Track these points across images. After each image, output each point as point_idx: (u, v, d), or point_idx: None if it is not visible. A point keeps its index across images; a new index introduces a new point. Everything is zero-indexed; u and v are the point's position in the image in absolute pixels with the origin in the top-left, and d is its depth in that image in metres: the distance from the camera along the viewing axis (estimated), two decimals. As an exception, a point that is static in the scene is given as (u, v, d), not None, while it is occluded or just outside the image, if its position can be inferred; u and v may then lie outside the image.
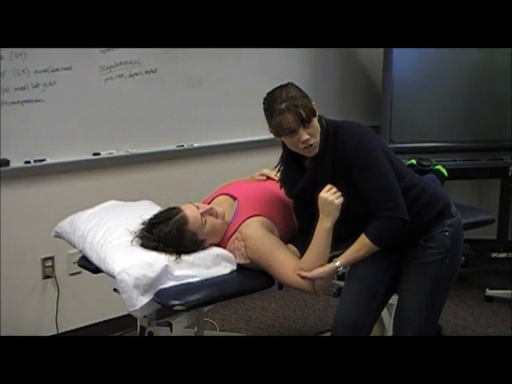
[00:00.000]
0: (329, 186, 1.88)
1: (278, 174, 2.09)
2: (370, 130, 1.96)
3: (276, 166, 2.07)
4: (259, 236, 1.99)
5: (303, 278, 1.88)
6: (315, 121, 1.86)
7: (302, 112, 1.81)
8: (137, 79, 2.96)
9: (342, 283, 2.50)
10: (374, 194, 1.86)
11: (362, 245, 1.87)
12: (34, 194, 2.77)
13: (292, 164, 1.99)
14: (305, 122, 1.82)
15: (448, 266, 2.02)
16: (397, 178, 1.90)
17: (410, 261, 2.02)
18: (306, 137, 1.84)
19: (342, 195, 1.87)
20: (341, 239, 1.92)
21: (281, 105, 1.82)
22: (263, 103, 1.90)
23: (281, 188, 2.09)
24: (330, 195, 1.86)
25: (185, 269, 1.92)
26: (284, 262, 1.95)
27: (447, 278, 2.04)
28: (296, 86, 1.88)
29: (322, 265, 1.88)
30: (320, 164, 1.91)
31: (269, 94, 1.88)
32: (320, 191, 1.88)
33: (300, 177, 1.97)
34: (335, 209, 1.86)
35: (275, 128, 1.86)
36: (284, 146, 1.98)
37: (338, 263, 1.87)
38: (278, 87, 1.88)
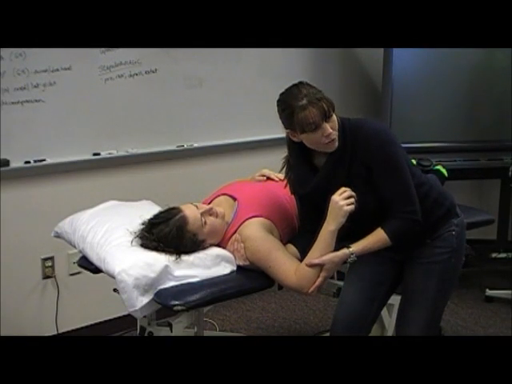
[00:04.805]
0: (343, 189, 1.88)
1: (286, 178, 2.05)
2: (389, 130, 1.97)
3: (282, 169, 2.05)
4: (258, 237, 1.99)
5: (313, 265, 1.89)
6: (334, 115, 1.85)
7: (324, 106, 1.80)
8: (137, 79, 2.96)
9: (342, 283, 2.50)
10: (395, 196, 1.87)
11: (378, 238, 1.88)
12: (34, 194, 2.77)
13: (304, 163, 1.97)
14: (327, 116, 1.81)
15: (453, 266, 2.02)
16: (410, 175, 1.92)
17: (415, 260, 2.02)
18: (330, 130, 1.82)
19: (355, 196, 1.87)
20: (343, 238, 1.93)
21: (302, 100, 1.79)
22: (278, 104, 1.86)
23: (292, 192, 2.07)
24: (341, 199, 1.86)
25: (185, 269, 1.92)
26: (283, 263, 1.95)
27: (452, 278, 2.04)
28: (309, 84, 1.86)
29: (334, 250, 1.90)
30: (337, 161, 1.89)
31: (284, 93, 1.86)
32: (333, 191, 1.88)
33: (313, 176, 1.95)
34: (343, 215, 1.86)
35: (300, 124, 1.81)
36: (292, 146, 1.96)
37: (351, 249, 1.87)
38: (292, 86, 1.85)
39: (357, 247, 1.88)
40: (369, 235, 1.89)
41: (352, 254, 1.87)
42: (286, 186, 2.08)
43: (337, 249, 1.91)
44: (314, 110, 1.79)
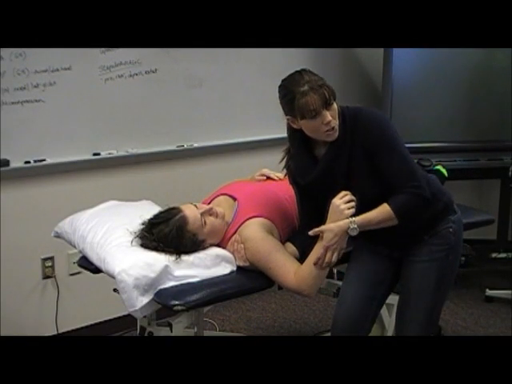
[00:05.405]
0: (343, 193, 1.87)
1: (286, 168, 2.04)
2: (388, 118, 1.98)
3: (282, 160, 2.04)
4: (258, 238, 1.99)
5: (314, 233, 1.88)
6: (335, 103, 1.85)
7: (325, 93, 1.80)
8: (137, 79, 2.96)
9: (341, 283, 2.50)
10: (400, 175, 1.85)
11: (381, 211, 1.85)
12: (34, 193, 2.77)
13: (304, 153, 1.96)
14: (328, 104, 1.81)
15: (451, 263, 2.02)
16: None
17: (413, 258, 2.01)
18: (330, 118, 1.81)
19: (354, 188, 1.87)
20: None
21: (303, 87, 1.79)
22: (280, 90, 1.87)
23: (290, 182, 2.06)
24: (342, 203, 1.86)
25: (185, 269, 1.92)
26: (283, 264, 1.95)
27: (449, 275, 2.04)
28: (311, 71, 1.86)
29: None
30: (337, 151, 1.89)
31: (285, 79, 1.86)
32: (333, 182, 1.88)
33: (313, 165, 1.94)
34: (343, 219, 1.86)
35: (300, 110, 1.81)
36: (292, 136, 1.95)
37: (352, 219, 1.85)
38: (294, 72, 1.86)
39: (359, 217, 1.86)
40: (374, 209, 1.87)
41: (352, 222, 1.85)
42: (285, 176, 2.08)
43: None
44: (315, 96, 1.79)
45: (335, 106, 1.84)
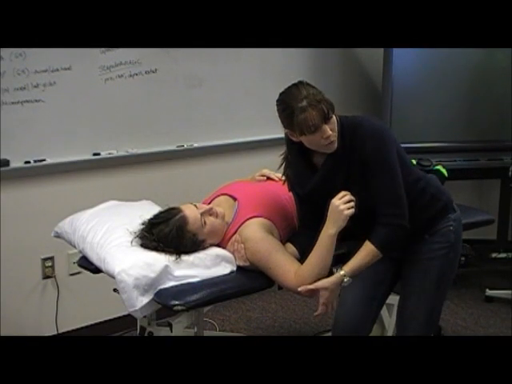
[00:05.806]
0: (343, 193, 1.87)
1: (284, 176, 2.04)
2: (388, 127, 1.96)
3: (280, 167, 2.04)
4: (258, 238, 1.98)
5: (307, 291, 1.88)
6: (334, 116, 1.84)
7: (324, 108, 1.78)
8: (137, 79, 2.96)
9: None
10: (384, 198, 1.86)
11: (367, 252, 1.87)
12: (34, 193, 2.77)
13: (302, 162, 1.96)
14: (327, 118, 1.80)
15: (451, 261, 2.02)
16: (407, 171, 1.93)
17: (414, 256, 2.02)
18: (329, 132, 1.80)
19: (355, 200, 1.86)
20: (344, 238, 1.92)
21: (302, 102, 1.77)
22: (278, 104, 1.85)
23: (289, 189, 2.06)
24: (341, 203, 1.85)
25: (185, 269, 1.92)
26: (283, 264, 1.94)
27: (449, 274, 2.04)
28: (309, 84, 1.84)
29: (327, 275, 1.88)
30: (336, 161, 1.89)
31: (283, 93, 1.84)
32: (332, 191, 1.88)
33: (312, 174, 1.94)
34: (343, 219, 1.85)
35: (299, 126, 1.79)
36: (290, 145, 1.95)
37: (343, 272, 1.86)
38: (292, 86, 1.83)
39: (348, 267, 1.87)
40: (358, 251, 1.88)
41: (344, 275, 1.86)
42: (284, 183, 2.08)
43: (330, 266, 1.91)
44: (314, 112, 1.77)
45: (334, 118, 1.83)
